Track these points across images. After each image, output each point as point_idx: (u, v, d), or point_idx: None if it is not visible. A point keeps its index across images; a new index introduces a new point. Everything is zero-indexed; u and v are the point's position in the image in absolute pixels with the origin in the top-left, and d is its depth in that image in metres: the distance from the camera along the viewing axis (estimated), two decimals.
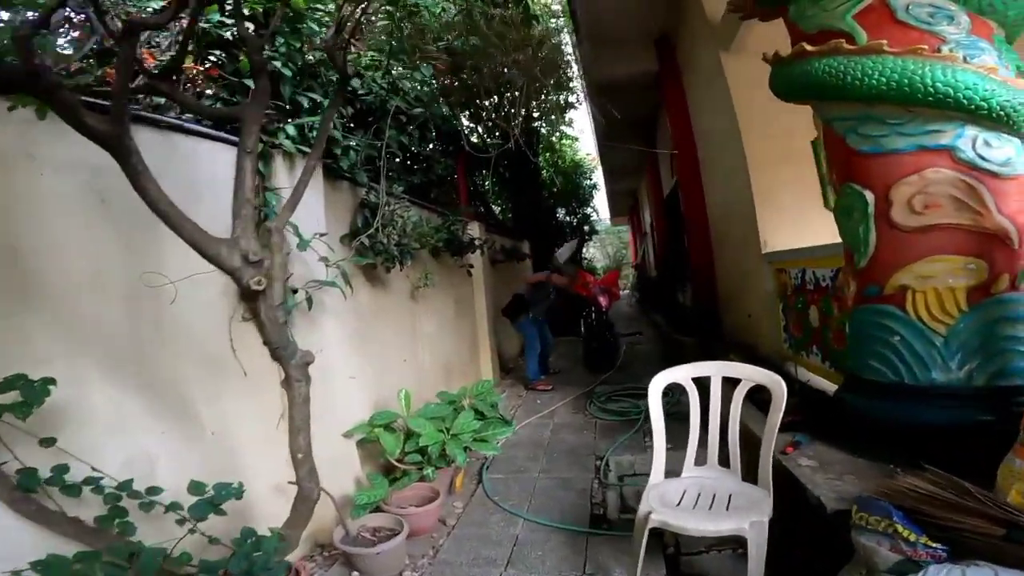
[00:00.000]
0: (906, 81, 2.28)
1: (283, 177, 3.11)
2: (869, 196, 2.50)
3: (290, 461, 2.42)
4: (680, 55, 7.58)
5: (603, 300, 7.00)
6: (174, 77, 2.29)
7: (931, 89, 2.24)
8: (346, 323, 3.64)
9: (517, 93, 10.07)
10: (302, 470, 2.10)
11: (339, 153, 3.84)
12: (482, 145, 8.58)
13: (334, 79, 4.18)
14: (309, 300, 2.87)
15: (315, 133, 3.48)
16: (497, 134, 10.66)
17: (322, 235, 3.01)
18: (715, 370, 2.63)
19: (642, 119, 11.48)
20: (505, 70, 8.98)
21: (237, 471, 2.72)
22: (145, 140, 2.27)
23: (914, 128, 2.36)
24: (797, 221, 5.11)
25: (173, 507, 2.06)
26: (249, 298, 1.93)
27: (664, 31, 7.82)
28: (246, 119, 1.94)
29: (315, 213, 3.24)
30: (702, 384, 2.70)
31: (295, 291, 2.83)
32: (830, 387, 3.84)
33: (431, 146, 6.03)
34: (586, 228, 19.92)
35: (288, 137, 3.23)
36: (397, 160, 5.24)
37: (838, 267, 3.72)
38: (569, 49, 11.75)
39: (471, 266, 5.97)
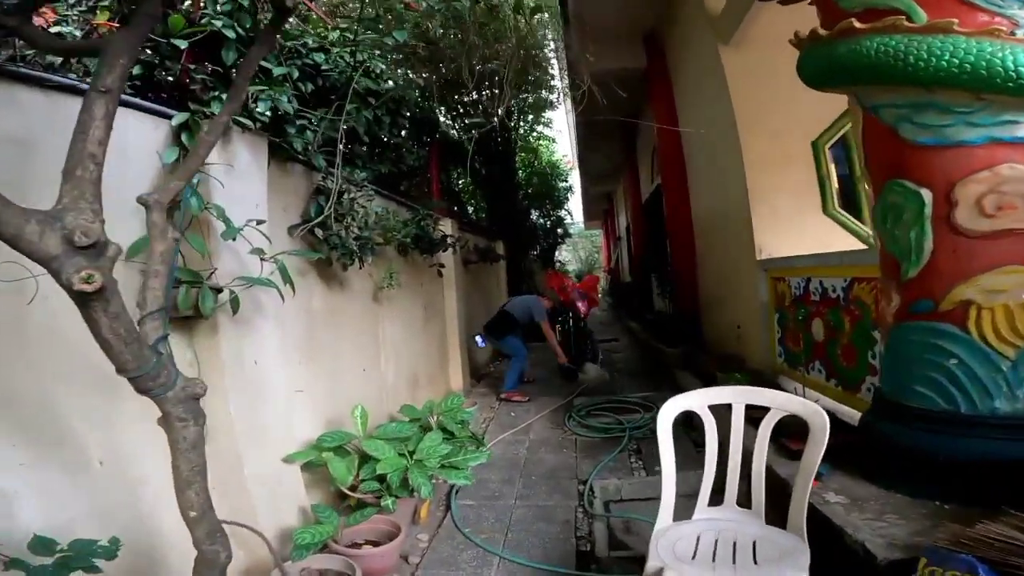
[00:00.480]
0: (983, 64, 1.87)
1: (215, 155, 2.54)
2: (926, 195, 2.08)
3: (225, 487, 1.86)
4: (669, 53, 7.21)
5: (582, 306, 6.56)
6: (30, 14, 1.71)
7: (1012, 74, 1.85)
8: (292, 328, 3.08)
9: (497, 87, 9.61)
10: (199, 531, 1.54)
11: (292, 132, 3.29)
12: (458, 139, 8.06)
13: (289, 45, 3.64)
14: (235, 301, 2.30)
15: (260, 105, 2.93)
16: (474, 132, 10.19)
17: (259, 222, 2.46)
18: (737, 397, 2.18)
19: (621, 122, 11.13)
20: (485, 63, 8.53)
21: (142, 507, 2.16)
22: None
23: (986, 117, 1.95)
24: (793, 227, 4.76)
25: (15, 564, 1.48)
26: (80, 303, 1.30)
27: (653, 28, 7.45)
28: (109, 50, 1.36)
29: (253, 196, 2.68)
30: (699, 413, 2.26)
31: (219, 290, 2.27)
32: (836, 408, 3.46)
33: (403, 133, 5.49)
34: (559, 231, 19.60)
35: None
36: (364, 147, 4.69)
37: (852, 277, 3.34)
38: (553, 45, 11.39)
39: (442, 266, 5.44)
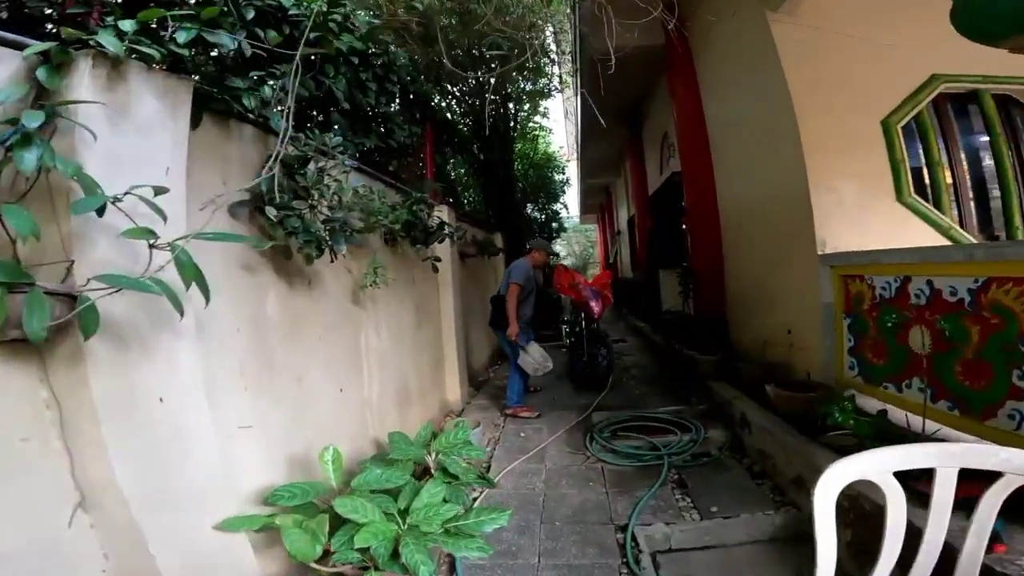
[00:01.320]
0: None
1: (95, 94, 1.65)
2: None
3: None
4: (694, 27, 6.34)
5: (595, 306, 5.71)
6: None
7: None
8: (233, 345, 2.20)
9: (497, 62, 8.69)
10: None
11: (242, 85, 2.39)
12: (454, 120, 7.15)
13: None
14: (89, 315, 1.38)
15: (180, 35, 2.02)
16: (470, 118, 9.30)
17: (158, 192, 1.56)
18: (946, 458, 1.31)
19: (628, 107, 10.28)
20: (483, 37, 7.62)
21: None
22: None
23: None
24: (861, 218, 3.96)
25: None
26: None
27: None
28: None
29: (158, 158, 1.78)
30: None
31: (71, 297, 1.37)
32: (946, 435, 2.65)
33: (392, 105, 4.60)
34: (554, 225, 18.75)
35: (121, 35, 1.76)
36: (345, 115, 3.80)
37: (988, 276, 2.51)
38: (558, 25, 10.50)
39: (437, 259, 4.56)
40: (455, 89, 8.77)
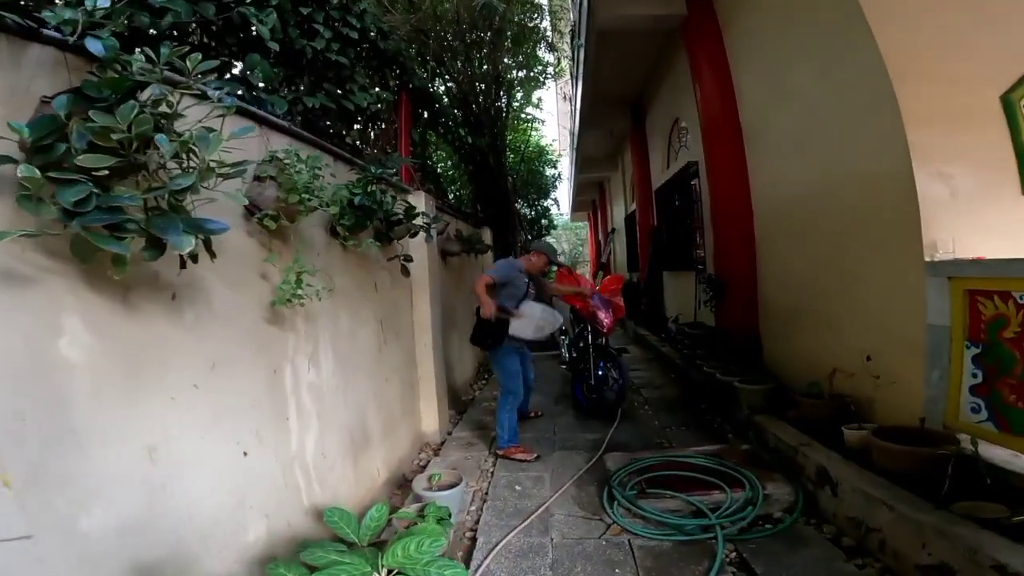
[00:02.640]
0: None
1: None
2: None
3: None
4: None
5: (604, 317, 4.61)
6: None
7: None
8: None
9: (487, 31, 7.55)
10: None
11: None
12: (437, 94, 5.98)
13: None
14: None
15: None
16: (458, 98, 8.12)
17: None
18: None
19: (631, 94, 9.20)
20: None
21: None
22: None
23: None
24: (976, 215, 2.91)
25: None
26: None
27: None
28: None
29: None
30: None
31: None
32: None
33: (355, 54, 3.45)
34: (544, 222, 17.65)
35: None
36: (272, 61, 2.66)
37: None
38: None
39: (408, 259, 3.43)
40: (441, 68, 7.62)
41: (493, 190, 8.24)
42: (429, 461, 4.12)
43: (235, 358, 2.03)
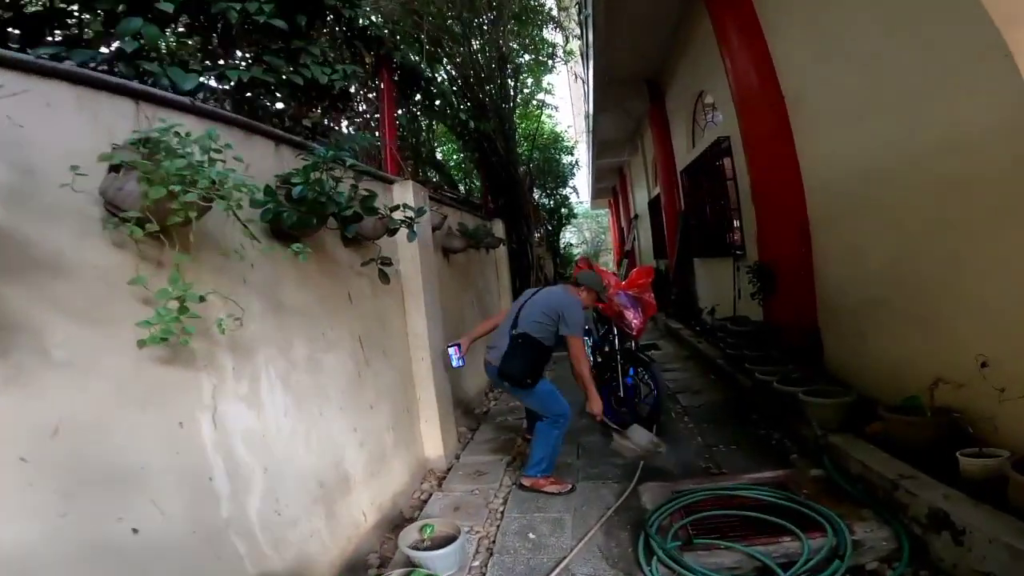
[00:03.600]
0: None
1: None
2: None
3: None
4: None
5: (633, 318, 3.89)
6: None
7: None
8: None
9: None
10: None
11: None
12: (425, 73, 5.28)
13: None
14: None
15: None
16: (459, 81, 7.40)
17: None
18: None
19: (647, 70, 8.35)
20: None
21: None
22: None
23: None
24: None
25: None
26: None
27: None
28: None
29: None
30: None
31: None
32: None
33: (307, 22, 2.78)
34: (564, 211, 16.87)
35: None
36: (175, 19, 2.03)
37: None
38: None
39: (386, 263, 2.76)
40: (439, 50, 6.93)
41: (503, 179, 7.54)
42: (431, 495, 3.47)
43: (100, 415, 1.39)
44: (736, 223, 5.87)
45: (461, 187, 9.10)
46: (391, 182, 3.46)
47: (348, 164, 2.16)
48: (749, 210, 5.13)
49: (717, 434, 3.99)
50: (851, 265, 3.65)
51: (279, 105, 2.92)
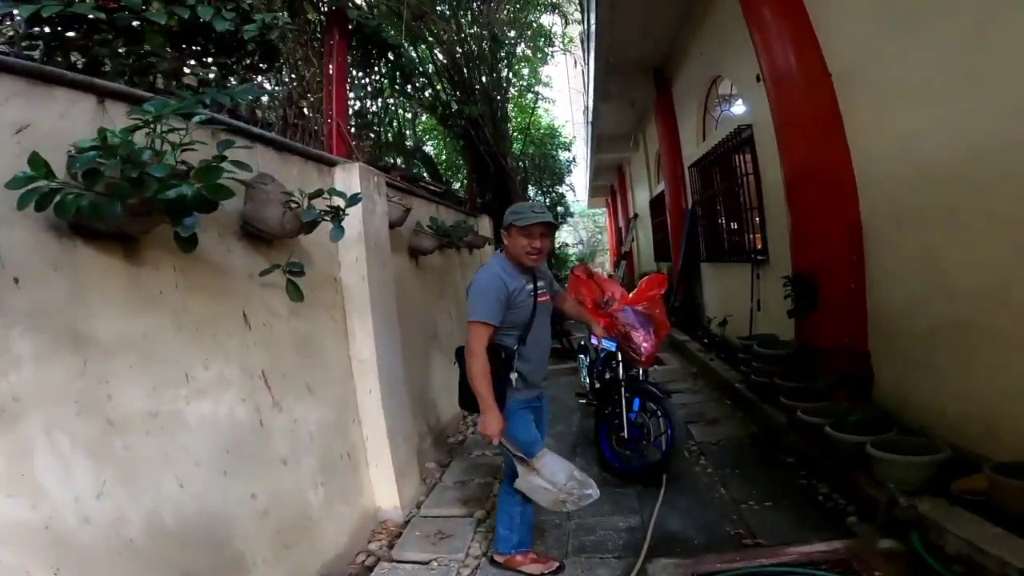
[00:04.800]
0: None
1: None
2: None
3: None
4: None
5: (643, 341, 3.02)
6: None
7: None
8: None
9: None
10: None
11: None
12: (388, 35, 4.39)
13: None
14: None
15: None
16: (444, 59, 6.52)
17: None
18: None
19: (653, 54, 7.50)
20: None
21: None
22: None
23: None
24: None
25: None
26: None
27: None
28: None
29: None
30: None
31: None
32: None
33: None
34: (560, 209, 16.03)
35: None
36: None
37: None
38: None
39: (295, 271, 1.90)
40: (423, 27, 6.07)
41: (492, 170, 6.69)
42: (376, 562, 2.65)
43: None
44: (757, 224, 5.05)
45: (455, 185, 8.27)
46: (332, 163, 2.62)
47: (199, 120, 1.32)
48: (776, 209, 4.31)
49: (746, 485, 3.15)
50: (925, 277, 2.82)
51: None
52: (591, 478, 2.37)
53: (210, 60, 2.10)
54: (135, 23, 1.81)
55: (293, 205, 1.82)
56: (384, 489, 3.00)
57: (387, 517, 3.02)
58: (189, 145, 1.29)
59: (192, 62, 2.05)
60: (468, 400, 2.29)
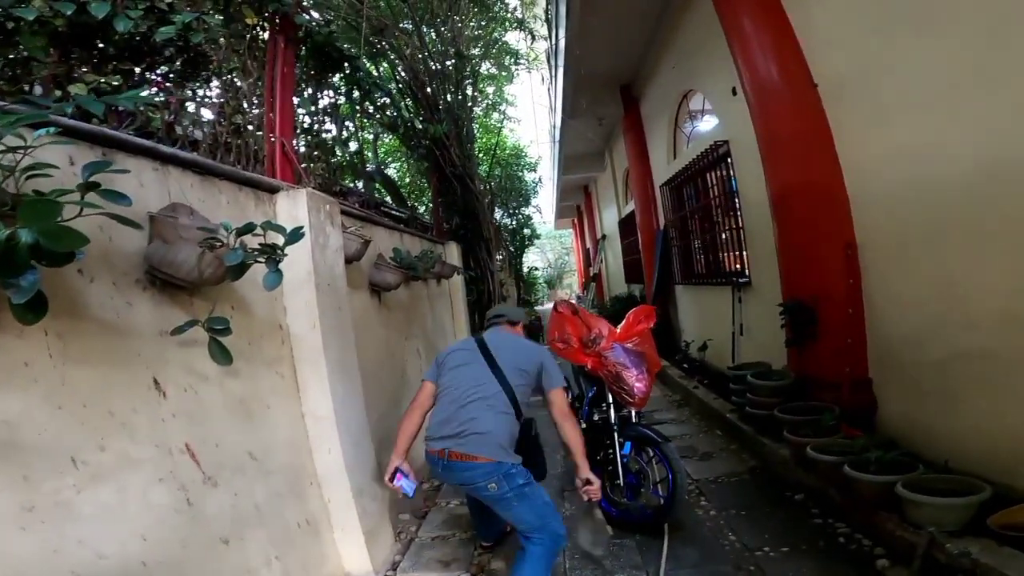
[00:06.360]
0: None
1: None
2: None
3: None
4: None
5: (636, 380, 2.70)
6: None
7: None
8: None
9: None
10: None
11: None
12: (339, 45, 4.03)
13: None
14: None
15: None
16: (406, 77, 6.17)
17: None
18: None
19: (623, 70, 7.37)
20: None
21: None
22: None
23: None
24: None
25: None
26: None
27: None
28: None
29: None
30: None
31: None
32: None
33: None
34: (527, 231, 15.79)
35: None
36: None
37: None
38: None
39: (217, 330, 1.50)
40: (382, 43, 5.74)
41: (459, 193, 6.34)
42: None
43: None
44: (738, 245, 4.85)
45: (420, 209, 7.88)
46: (273, 190, 2.22)
47: (44, 133, 0.93)
48: (759, 229, 4.11)
49: (756, 528, 2.82)
50: (937, 302, 2.59)
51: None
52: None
53: (111, 67, 1.71)
54: (7, 22, 1.41)
55: (216, 244, 1.43)
56: (353, 553, 2.57)
57: None
58: (41, 169, 0.90)
59: (84, 69, 1.65)
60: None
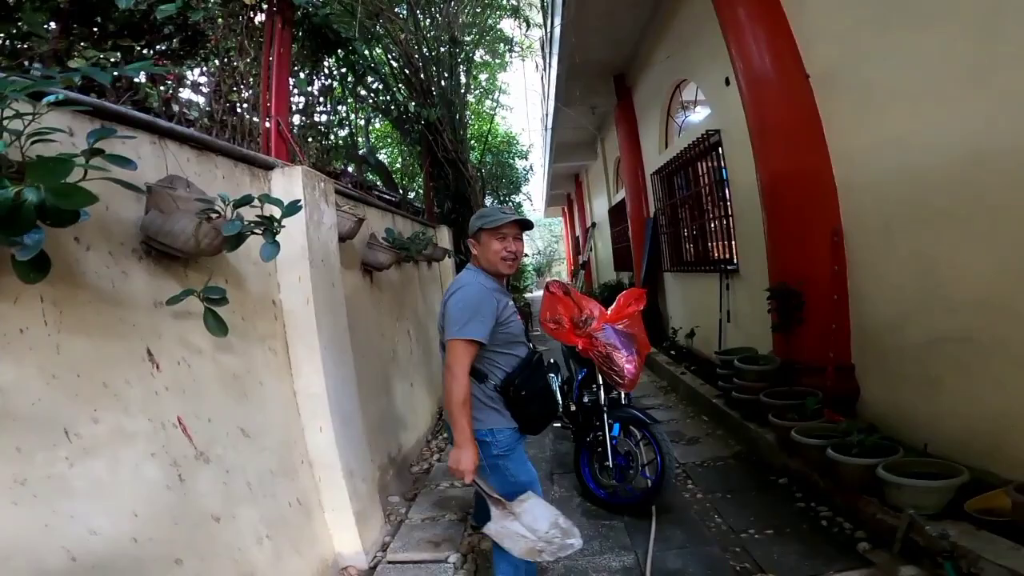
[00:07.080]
0: None
1: None
2: None
3: None
4: None
5: (625, 362, 2.74)
6: None
7: None
8: None
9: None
10: None
11: None
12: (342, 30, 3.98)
13: None
14: None
15: None
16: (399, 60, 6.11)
17: None
18: None
19: (616, 61, 7.35)
20: None
21: None
22: None
23: None
24: None
25: None
26: None
27: None
28: None
29: None
30: None
31: None
32: None
33: None
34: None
35: None
36: None
37: None
38: None
39: (212, 301, 1.50)
40: (378, 26, 5.66)
41: (451, 177, 6.32)
42: None
43: None
44: (727, 233, 4.89)
45: (411, 194, 7.81)
46: (269, 167, 2.20)
47: (50, 100, 0.92)
48: (748, 217, 4.15)
49: (742, 511, 2.89)
50: (918, 288, 2.65)
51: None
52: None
53: (111, 44, 1.68)
54: None
55: (213, 215, 1.42)
56: (343, 534, 2.58)
57: (349, 564, 2.61)
58: (45, 134, 0.89)
59: (83, 45, 1.62)
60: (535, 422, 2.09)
